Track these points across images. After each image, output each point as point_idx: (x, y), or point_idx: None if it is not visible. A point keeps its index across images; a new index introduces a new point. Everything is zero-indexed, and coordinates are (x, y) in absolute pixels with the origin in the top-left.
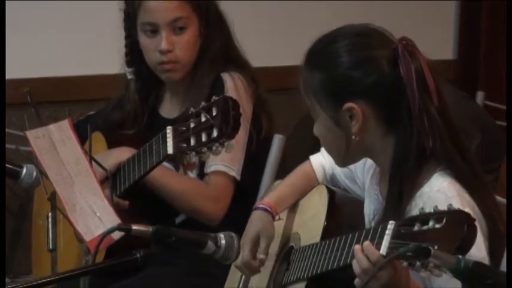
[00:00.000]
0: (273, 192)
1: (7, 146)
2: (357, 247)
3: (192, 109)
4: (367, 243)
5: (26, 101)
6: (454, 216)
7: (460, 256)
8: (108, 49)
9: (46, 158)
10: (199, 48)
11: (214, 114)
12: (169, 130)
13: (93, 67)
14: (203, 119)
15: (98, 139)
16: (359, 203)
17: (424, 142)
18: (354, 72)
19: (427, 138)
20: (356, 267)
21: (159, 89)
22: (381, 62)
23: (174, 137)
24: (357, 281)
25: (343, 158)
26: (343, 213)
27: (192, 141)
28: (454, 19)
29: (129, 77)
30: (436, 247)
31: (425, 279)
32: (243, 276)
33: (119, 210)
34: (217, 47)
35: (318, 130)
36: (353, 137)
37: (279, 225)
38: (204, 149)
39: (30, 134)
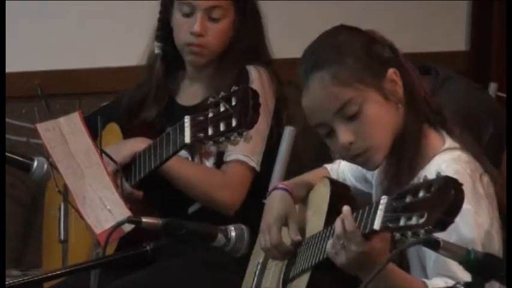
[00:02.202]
0: (288, 180)
1: (18, 138)
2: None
3: (210, 99)
4: (345, 207)
5: (37, 94)
6: (441, 183)
7: (470, 248)
8: (119, 42)
9: (56, 150)
10: (229, 40)
11: (233, 104)
12: (187, 119)
13: (103, 60)
14: (222, 109)
15: (113, 130)
16: (363, 194)
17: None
18: (372, 48)
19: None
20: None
21: (179, 75)
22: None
23: (192, 126)
24: (328, 248)
25: (390, 141)
26: (345, 202)
27: (210, 131)
28: (466, 10)
29: (157, 51)
30: (425, 215)
31: (421, 258)
32: (255, 278)
33: (133, 200)
34: (248, 42)
35: (365, 119)
36: (399, 105)
37: None
38: (222, 139)
39: (41, 127)
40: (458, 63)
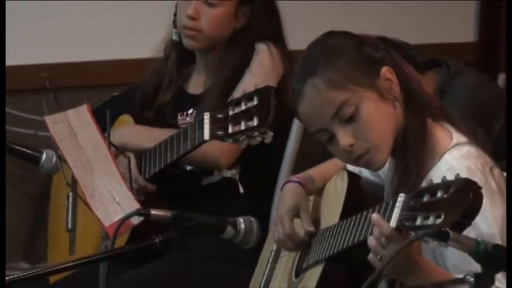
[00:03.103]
0: (303, 173)
1: (26, 131)
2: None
3: (231, 97)
4: (375, 215)
5: (45, 87)
6: (460, 185)
7: (480, 239)
8: (127, 34)
9: (65, 143)
10: (233, 28)
11: (255, 103)
12: (206, 116)
13: (111, 52)
14: (243, 107)
15: (125, 121)
16: (379, 186)
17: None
18: (363, 48)
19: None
20: (371, 240)
21: (192, 64)
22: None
23: (212, 123)
24: (370, 257)
25: (392, 139)
26: (362, 195)
27: (230, 129)
28: (474, 1)
29: (174, 38)
30: (442, 216)
31: (437, 257)
32: (268, 265)
33: (146, 193)
34: (259, 34)
35: (363, 121)
36: (396, 103)
37: None
38: (243, 137)
39: (49, 120)
40: (467, 55)
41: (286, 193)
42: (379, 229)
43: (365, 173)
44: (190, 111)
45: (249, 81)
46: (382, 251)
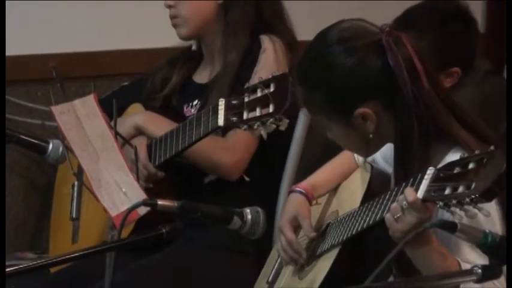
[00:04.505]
0: (311, 177)
1: (33, 121)
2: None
3: (248, 84)
4: (408, 188)
5: (52, 77)
6: (495, 155)
7: (488, 230)
8: (133, 24)
9: (72, 133)
10: (218, 5)
11: (272, 90)
12: (221, 102)
13: (118, 42)
14: (259, 94)
15: (137, 110)
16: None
17: (426, 126)
18: (351, 79)
19: (428, 121)
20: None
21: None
22: (371, 59)
23: (226, 109)
24: (387, 215)
25: (366, 153)
26: (381, 188)
27: (245, 115)
28: None
29: (193, 48)
30: (473, 184)
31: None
32: (278, 259)
33: (155, 180)
34: (245, 12)
35: (333, 137)
36: (370, 136)
37: (316, 210)
38: (258, 124)
39: (56, 110)
40: None
41: (289, 203)
42: (405, 195)
43: (378, 158)
44: (195, 102)
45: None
46: (401, 215)
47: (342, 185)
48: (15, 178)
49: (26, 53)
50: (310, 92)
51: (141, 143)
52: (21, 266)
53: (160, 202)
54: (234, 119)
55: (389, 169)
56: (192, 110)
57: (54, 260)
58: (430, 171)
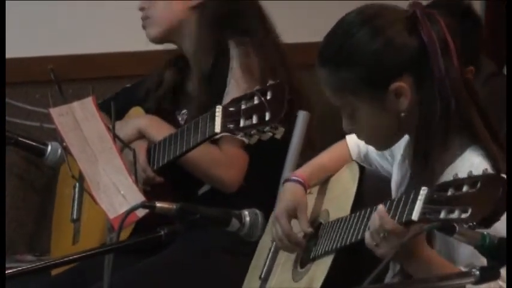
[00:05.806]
0: (305, 166)
1: (31, 123)
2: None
3: (245, 92)
4: (380, 206)
5: (50, 79)
6: (489, 180)
7: (486, 232)
8: (132, 26)
9: (70, 135)
10: (189, 8)
11: (268, 97)
12: (218, 109)
13: (117, 44)
14: (256, 101)
15: (137, 113)
16: (389, 181)
17: (450, 112)
18: (384, 56)
19: (450, 101)
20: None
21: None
22: (404, 34)
23: (223, 116)
24: (368, 240)
25: (390, 141)
26: (372, 190)
27: (242, 123)
28: None
29: None
30: (469, 210)
31: (452, 253)
32: (270, 254)
33: (152, 184)
34: (217, 15)
35: (359, 121)
36: (402, 114)
37: (310, 201)
38: (254, 132)
39: (54, 112)
40: None
41: (285, 192)
42: (381, 222)
43: (374, 157)
44: (183, 111)
45: (235, 91)
46: (381, 242)
47: (332, 179)
48: (14, 180)
49: (24, 55)
50: (338, 72)
51: (140, 146)
52: (20, 268)
53: (158, 204)
54: (231, 126)
55: (384, 164)
56: (180, 119)
57: (53, 262)
58: (423, 191)
